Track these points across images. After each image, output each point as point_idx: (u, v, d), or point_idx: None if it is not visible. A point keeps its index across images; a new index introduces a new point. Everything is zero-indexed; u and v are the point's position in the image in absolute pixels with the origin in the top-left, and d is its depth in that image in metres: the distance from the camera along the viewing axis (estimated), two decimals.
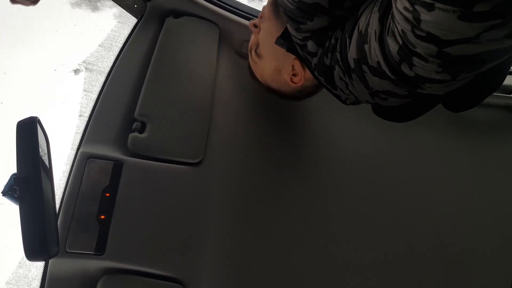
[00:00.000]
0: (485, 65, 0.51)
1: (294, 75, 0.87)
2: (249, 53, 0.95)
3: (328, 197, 1.08)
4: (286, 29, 0.77)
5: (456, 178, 1.20)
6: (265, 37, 0.88)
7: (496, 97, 1.29)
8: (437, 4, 0.44)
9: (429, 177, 1.18)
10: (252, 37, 0.93)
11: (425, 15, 0.46)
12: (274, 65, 0.89)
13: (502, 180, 1.23)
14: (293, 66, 0.86)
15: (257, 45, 0.91)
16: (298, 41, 0.75)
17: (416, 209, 1.13)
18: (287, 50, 0.79)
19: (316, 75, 0.77)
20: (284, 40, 0.78)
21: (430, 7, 0.45)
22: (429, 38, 0.47)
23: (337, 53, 0.68)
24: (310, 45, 0.73)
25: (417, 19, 0.47)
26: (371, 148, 1.16)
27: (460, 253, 1.12)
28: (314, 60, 0.75)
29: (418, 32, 0.48)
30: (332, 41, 0.69)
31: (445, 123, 1.23)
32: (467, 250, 1.13)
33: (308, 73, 0.86)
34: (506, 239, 1.16)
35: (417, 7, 0.46)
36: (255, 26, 0.90)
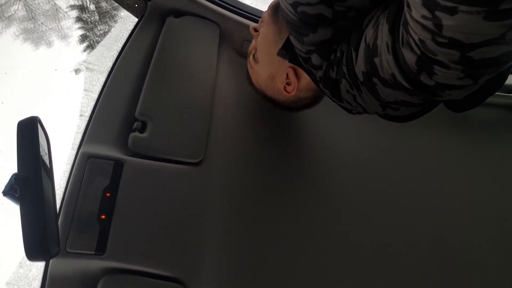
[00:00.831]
0: (506, 65, 0.50)
1: (288, 84, 0.86)
2: (247, 57, 0.94)
3: (329, 196, 1.08)
4: (288, 40, 0.76)
5: (457, 177, 1.20)
6: (262, 42, 0.87)
7: (497, 96, 1.28)
8: (461, 7, 0.43)
9: (430, 177, 1.17)
10: (253, 42, 0.93)
11: (447, 20, 0.45)
12: (268, 71, 0.88)
13: (503, 179, 1.23)
14: (287, 74, 0.85)
15: (256, 49, 0.90)
16: (302, 54, 0.73)
17: (416, 208, 1.12)
18: (290, 61, 0.78)
19: (321, 87, 0.76)
20: (286, 51, 0.78)
21: (452, 11, 0.44)
22: (451, 44, 0.46)
23: (343, 66, 0.67)
24: (314, 59, 0.71)
25: (439, 26, 0.46)
26: (372, 147, 1.16)
27: (461, 252, 1.12)
28: (319, 73, 0.73)
29: (439, 39, 0.47)
30: (338, 54, 0.68)
31: (446, 122, 1.23)
32: (467, 249, 1.13)
33: (302, 83, 0.85)
34: (506, 239, 1.16)
35: (437, 13, 0.45)
36: (256, 30, 0.90)
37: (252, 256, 0.96)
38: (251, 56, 0.92)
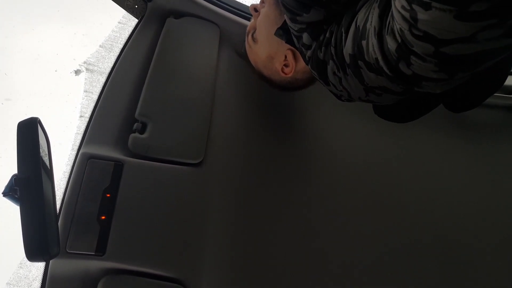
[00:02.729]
0: (482, 64, 0.50)
1: (285, 65, 0.87)
2: (246, 36, 0.95)
3: (329, 196, 1.08)
4: (286, 21, 0.77)
5: (456, 178, 1.20)
6: (262, 22, 0.88)
7: (497, 98, 1.29)
8: (434, 4, 0.44)
9: (429, 177, 1.18)
10: (252, 21, 0.93)
11: (422, 14, 0.46)
12: (267, 52, 0.89)
13: (503, 180, 1.23)
14: (285, 56, 0.86)
15: (255, 29, 0.91)
16: (294, 32, 0.74)
17: (415, 208, 1.13)
18: (286, 42, 0.79)
19: (310, 68, 0.77)
20: (283, 31, 0.78)
21: (426, 6, 0.45)
22: (426, 37, 0.47)
23: (331, 47, 0.68)
24: (305, 38, 0.72)
25: (414, 18, 0.47)
26: (372, 147, 1.17)
27: (460, 252, 1.12)
28: (308, 53, 0.74)
29: (415, 32, 0.48)
30: (327, 35, 0.69)
31: (446, 123, 1.23)
32: (467, 249, 1.13)
33: (299, 65, 0.86)
34: (506, 239, 1.16)
35: (414, 6, 0.46)
36: (256, 10, 0.90)
37: (252, 257, 0.96)
38: (249, 36, 0.93)
